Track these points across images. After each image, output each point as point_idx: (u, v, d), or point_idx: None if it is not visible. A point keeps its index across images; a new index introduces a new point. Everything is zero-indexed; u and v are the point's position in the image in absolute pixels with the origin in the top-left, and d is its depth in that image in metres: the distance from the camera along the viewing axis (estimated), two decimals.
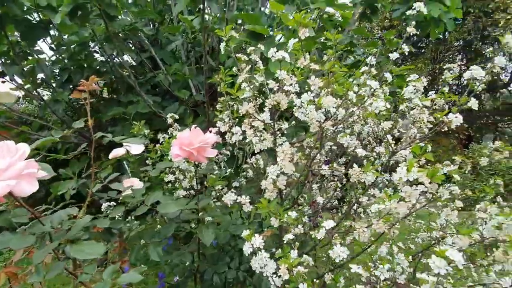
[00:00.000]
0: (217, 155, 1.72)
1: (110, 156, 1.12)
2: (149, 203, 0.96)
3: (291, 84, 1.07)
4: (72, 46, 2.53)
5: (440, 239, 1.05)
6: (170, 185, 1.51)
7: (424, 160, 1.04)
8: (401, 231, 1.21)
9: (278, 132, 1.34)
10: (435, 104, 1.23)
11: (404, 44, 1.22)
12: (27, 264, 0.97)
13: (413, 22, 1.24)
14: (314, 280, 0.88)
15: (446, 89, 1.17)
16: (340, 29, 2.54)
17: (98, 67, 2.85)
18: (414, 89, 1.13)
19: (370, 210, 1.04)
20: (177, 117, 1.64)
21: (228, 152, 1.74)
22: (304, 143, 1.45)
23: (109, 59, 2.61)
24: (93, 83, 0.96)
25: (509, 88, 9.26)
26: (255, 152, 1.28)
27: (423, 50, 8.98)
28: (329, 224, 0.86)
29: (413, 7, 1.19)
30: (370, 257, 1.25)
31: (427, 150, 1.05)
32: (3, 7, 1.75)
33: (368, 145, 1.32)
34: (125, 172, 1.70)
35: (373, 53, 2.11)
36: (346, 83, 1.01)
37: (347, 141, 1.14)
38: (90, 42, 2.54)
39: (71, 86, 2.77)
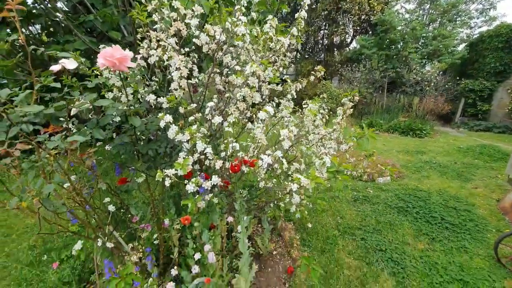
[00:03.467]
0: (150, 79, 1.68)
1: (50, 69, 1.03)
2: (87, 99, 0.96)
3: (191, 17, 1.09)
4: None
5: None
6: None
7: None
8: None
9: (195, 66, 1.36)
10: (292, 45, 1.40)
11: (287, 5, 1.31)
12: None
13: None
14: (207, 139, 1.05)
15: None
16: None
17: (32, 10, 2.26)
18: (270, 25, 1.25)
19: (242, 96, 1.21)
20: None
21: (157, 79, 1.71)
22: (208, 71, 1.51)
23: (41, 3, 2.08)
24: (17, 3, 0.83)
25: (350, 47, 10.59)
26: (171, 72, 1.29)
27: None
28: (210, 104, 1.02)
29: None
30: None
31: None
32: None
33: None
34: None
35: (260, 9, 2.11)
36: (223, 17, 1.08)
37: (229, 61, 1.25)
38: None
39: (8, 29, 2.20)
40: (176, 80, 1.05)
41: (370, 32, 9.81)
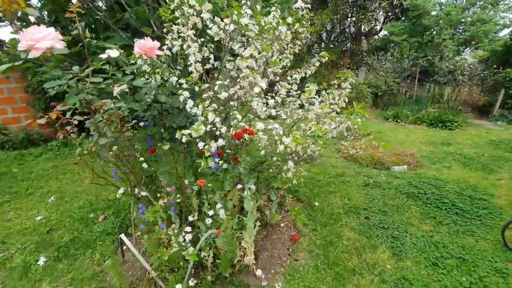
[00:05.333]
0: (174, 68, 1.97)
1: (99, 57, 1.35)
2: (126, 79, 1.27)
3: (206, 11, 1.34)
4: None
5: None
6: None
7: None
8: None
9: (211, 54, 1.60)
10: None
11: None
12: None
13: None
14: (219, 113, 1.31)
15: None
16: None
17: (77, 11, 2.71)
18: (273, 16, 1.45)
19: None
20: None
21: (180, 67, 2.00)
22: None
23: (85, 3, 2.52)
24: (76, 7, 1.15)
25: (379, 35, 10.13)
26: (191, 61, 1.55)
27: (328, 5, 8.93)
28: (218, 82, 1.27)
29: None
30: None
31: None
32: None
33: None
34: None
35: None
36: (235, 10, 1.31)
37: (237, 48, 1.48)
38: None
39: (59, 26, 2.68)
40: (192, 63, 1.31)
41: (403, 18, 9.30)
